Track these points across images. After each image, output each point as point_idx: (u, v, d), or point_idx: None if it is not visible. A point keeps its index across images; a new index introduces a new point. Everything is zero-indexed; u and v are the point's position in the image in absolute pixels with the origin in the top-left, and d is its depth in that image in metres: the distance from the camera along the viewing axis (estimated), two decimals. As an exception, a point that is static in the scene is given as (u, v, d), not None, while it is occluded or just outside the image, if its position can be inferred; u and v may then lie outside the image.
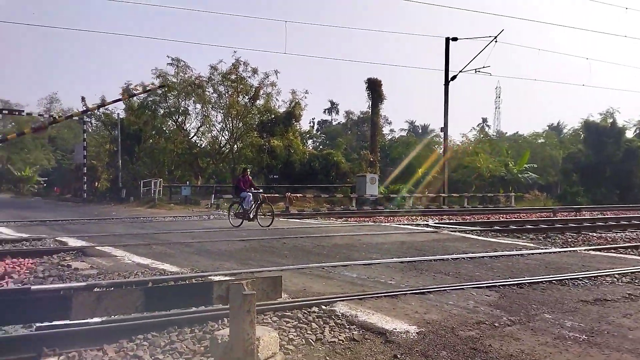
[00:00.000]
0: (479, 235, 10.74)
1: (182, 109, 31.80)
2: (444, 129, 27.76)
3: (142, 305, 2.22)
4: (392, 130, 63.13)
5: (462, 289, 5.16)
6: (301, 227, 12.83)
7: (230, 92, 31.15)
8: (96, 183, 33.00)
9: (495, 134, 57.12)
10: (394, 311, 4.27)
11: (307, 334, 3.69)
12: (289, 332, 3.72)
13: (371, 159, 31.25)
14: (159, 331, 3.67)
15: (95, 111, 30.84)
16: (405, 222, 15.41)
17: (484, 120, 65.65)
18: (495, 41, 23.73)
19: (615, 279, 5.85)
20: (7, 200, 32.80)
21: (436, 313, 4.25)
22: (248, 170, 13.99)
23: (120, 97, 29.78)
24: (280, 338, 3.55)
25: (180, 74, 30.98)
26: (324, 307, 4.31)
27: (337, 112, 67.97)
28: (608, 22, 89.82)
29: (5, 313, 2.20)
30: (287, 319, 3.97)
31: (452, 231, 11.58)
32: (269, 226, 12.19)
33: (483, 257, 7.45)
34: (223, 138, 32.84)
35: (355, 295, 4.70)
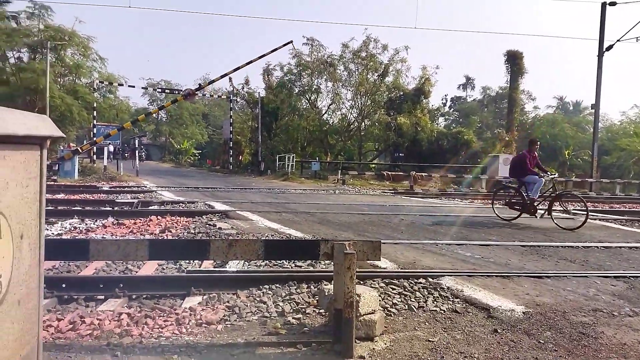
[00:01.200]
0: (623, 225, 9.63)
1: (314, 87, 33.26)
2: (596, 106, 24.63)
3: (263, 253, 2.70)
4: (536, 107, 57.63)
5: (586, 276, 4.87)
6: (423, 205, 12.83)
7: (360, 70, 31.61)
8: (240, 156, 36.44)
9: (667, 111, 48.69)
10: (503, 291, 4.27)
11: (411, 301, 3.94)
12: (394, 297, 4.00)
13: (507, 138, 29.23)
14: (282, 284, 4.24)
15: (240, 88, 33.88)
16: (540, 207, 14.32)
17: (652, 95, 56.20)
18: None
19: None
20: (168, 169, 38.13)
21: (549, 297, 4.14)
22: (537, 143, 10.08)
23: (262, 79, 32.21)
24: (384, 301, 3.88)
25: (314, 53, 32.31)
26: (430, 279, 4.48)
27: (473, 88, 64.09)
28: None
29: (163, 250, 2.86)
30: (394, 286, 4.25)
31: (591, 218, 10.52)
32: (577, 229, 8.30)
33: (620, 247, 6.78)
34: (352, 115, 33.65)
35: (464, 272, 4.78)
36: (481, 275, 4.71)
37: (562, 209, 9.69)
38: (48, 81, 22.20)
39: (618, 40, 22.92)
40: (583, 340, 3.21)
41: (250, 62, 18.84)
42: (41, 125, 1.56)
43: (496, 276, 4.73)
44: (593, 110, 26.27)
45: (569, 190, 10.81)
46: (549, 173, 9.62)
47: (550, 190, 9.36)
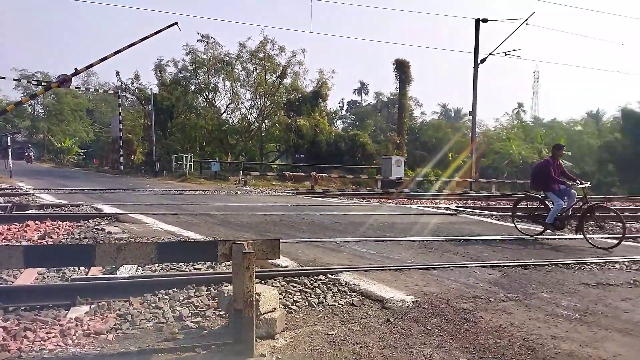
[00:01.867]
0: (498, 220, 10.79)
1: (212, 85, 32.40)
2: (473, 113, 27.35)
3: (155, 257, 2.56)
4: (423, 113, 62.23)
5: (466, 267, 5.37)
6: (323, 205, 13.15)
7: (258, 70, 31.48)
8: (132, 156, 34.21)
9: (531, 119, 55.57)
10: (395, 283, 4.54)
11: (311, 297, 4.01)
12: (294, 294, 4.05)
13: (398, 141, 31.17)
14: (180, 288, 4.07)
15: (129, 84, 31.82)
16: (427, 205, 15.51)
17: (520, 105, 63.73)
18: (527, 24, 23.12)
19: (624, 266, 5.92)
20: (48, 169, 34.46)
21: (435, 286, 4.49)
22: (563, 148, 8.80)
23: (154, 75, 30.63)
24: (285, 299, 3.91)
25: (210, 50, 31.47)
26: (330, 275, 4.61)
27: (367, 93, 67.36)
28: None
29: (41, 256, 2.59)
30: (294, 284, 4.30)
31: (471, 215, 11.66)
32: (613, 248, 7.06)
33: (495, 239, 7.59)
34: (252, 116, 33.37)
35: (360, 267, 4.99)
36: (376, 270, 4.96)
37: (595, 225, 8.69)
38: None
39: (490, 54, 25.69)
40: (464, 324, 3.53)
41: (133, 44, 17.70)
42: None
43: (389, 270, 5.01)
44: (471, 117, 29.05)
45: (601, 202, 9.48)
46: (578, 182, 7.94)
47: (581, 202, 7.81)
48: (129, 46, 18.05)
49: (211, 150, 33.53)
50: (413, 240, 7.12)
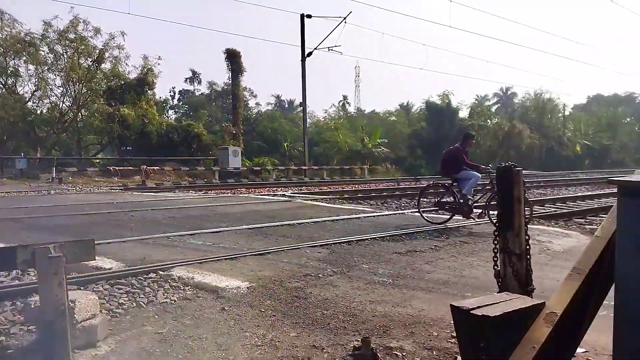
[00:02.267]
0: (328, 203, 11.61)
1: (10, 69, 27.49)
2: (303, 104, 28.77)
3: None
4: (258, 104, 62.89)
5: (299, 248, 5.67)
6: (155, 200, 12.40)
7: (69, 53, 27.76)
8: None
9: (355, 111, 60.70)
10: (231, 271, 4.55)
11: (139, 297, 3.77)
12: (120, 297, 3.75)
13: (234, 132, 30.99)
14: (-28, 308, 3.41)
15: None
16: (265, 193, 15.86)
17: (345, 97, 69.08)
18: (345, 22, 25.14)
19: (428, 234, 6.94)
20: None
21: (270, 270, 4.64)
22: (473, 138, 9.28)
23: None
24: (109, 303, 3.59)
25: (6, 28, 26.63)
26: (161, 272, 4.39)
27: (200, 82, 65.14)
28: (439, 13, 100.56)
29: None
30: (120, 286, 3.99)
31: (305, 200, 12.31)
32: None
33: (325, 221, 8.16)
34: (64, 104, 29.27)
35: (195, 260, 4.87)
36: (211, 260, 4.90)
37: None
38: None
39: (315, 49, 27.26)
40: (296, 302, 3.73)
41: None
42: None
43: (225, 259, 5.00)
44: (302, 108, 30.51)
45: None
46: (484, 167, 8.32)
47: (488, 187, 7.98)
48: None
49: (15, 144, 28.62)
50: (250, 228, 7.21)
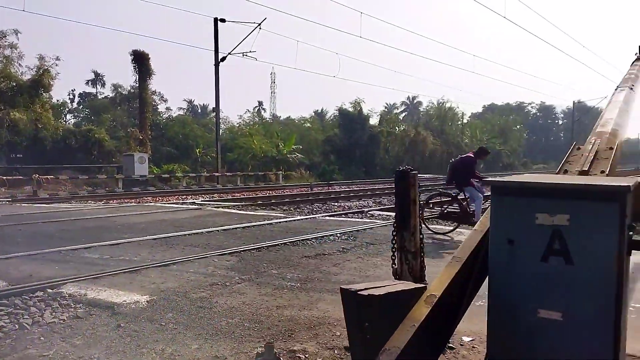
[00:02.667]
0: (240, 210, 11.42)
1: None
2: (216, 109, 28.14)
3: None
4: (168, 109, 60.31)
5: (206, 257, 5.51)
6: (49, 212, 11.32)
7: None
8: None
9: (270, 117, 60.59)
10: (130, 285, 4.29)
11: (24, 318, 3.43)
12: (1, 319, 3.37)
13: (140, 137, 29.35)
14: None
15: None
16: (173, 202, 15.18)
17: (260, 103, 68.65)
18: (260, 28, 25.04)
19: (336, 237, 7.10)
20: None
21: (174, 281, 4.45)
22: (489, 153, 8.89)
23: None
24: (-16, 328, 3.21)
25: None
26: (50, 290, 4.03)
27: (104, 85, 61.04)
28: (351, 23, 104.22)
29: None
30: (1, 307, 3.59)
31: (215, 207, 11.99)
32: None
33: (236, 228, 8.02)
34: None
35: (88, 275, 4.53)
36: (108, 275, 4.58)
37: None
38: None
39: (229, 54, 26.80)
40: (200, 312, 3.61)
41: None
42: None
43: (124, 272, 4.70)
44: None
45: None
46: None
47: None
48: None
49: None
50: (154, 239, 6.86)
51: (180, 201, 15.08)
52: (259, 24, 24.84)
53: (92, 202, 14.99)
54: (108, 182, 23.42)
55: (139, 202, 14.88)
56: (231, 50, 26.57)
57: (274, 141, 38.82)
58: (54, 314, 3.53)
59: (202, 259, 5.44)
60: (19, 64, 27.05)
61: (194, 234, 7.39)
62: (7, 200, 15.41)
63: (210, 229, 7.82)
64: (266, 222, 8.88)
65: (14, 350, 2.91)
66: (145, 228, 8.15)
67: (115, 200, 15.72)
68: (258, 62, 32.80)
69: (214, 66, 26.77)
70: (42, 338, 3.11)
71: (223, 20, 26.08)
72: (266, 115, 61.61)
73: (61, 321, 3.40)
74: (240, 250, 5.92)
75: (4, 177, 20.94)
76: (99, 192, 19.98)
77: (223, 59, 26.62)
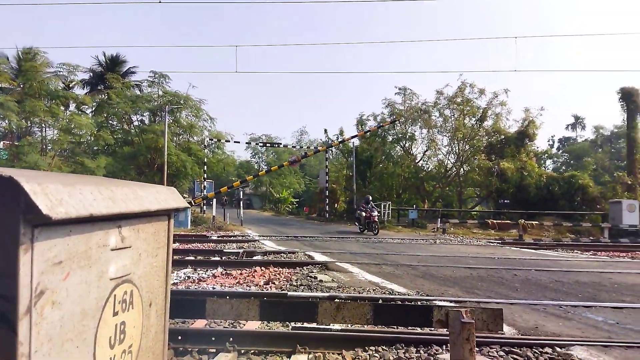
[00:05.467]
0: None
1: (409, 134, 33.11)
2: None
3: (371, 318, 2.57)
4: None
5: None
6: (536, 258, 11.71)
7: (456, 115, 30.93)
8: (336, 204, 36.95)
9: None
10: (652, 367, 3.61)
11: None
12: (516, 369, 3.57)
13: (629, 182, 26.11)
14: (389, 346, 4.02)
15: (334, 138, 35.07)
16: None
17: None
18: None
19: None
20: (269, 217, 39.68)
21: None
22: None
23: (355, 129, 33.13)
24: (505, 374, 3.47)
25: (407, 101, 32.41)
26: (558, 349, 3.96)
27: (584, 128, 59.30)
28: None
29: (272, 311, 2.86)
30: (515, 356, 3.81)
31: None
32: None
33: None
34: (449, 161, 32.68)
35: (598, 341, 4.15)
36: (619, 346, 4.05)
37: None
38: (166, 140, 24.76)
39: None
40: None
41: (354, 136, 21.32)
42: (170, 198, 1.65)
43: (637, 347, 4.03)
44: None
45: None
46: None
47: None
48: (353, 137, 21.91)
49: (407, 197, 33.78)
50: (668, 310, 5.67)
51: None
52: None
53: (578, 251, 14.39)
54: (592, 230, 22.07)
55: (632, 257, 13.03)
56: None
57: None
58: (567, 378, 3.40)
59: None
60: (507, 118, 30.40)
61: None
62: (498, 242, 17.16)
63: None
64: None
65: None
66: (651, 293, 6.91)
67: (602, 252, 14.46)
68: None
69: None
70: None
71: None
72: None
73: (576, 390, 3.22)
74: None
75: (494, 221, 23.61)
76: (582, 240, 19.06)
77: None
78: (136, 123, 29.94)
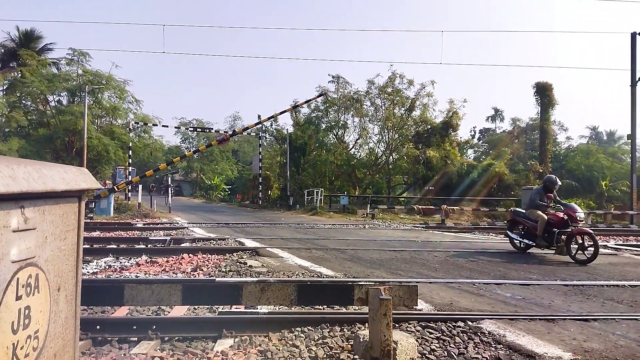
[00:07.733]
0: (673, 262, 9.06)
1: (341, 122, 33.68)
2: (632, 136, 23.85)
3: (295, 298, 2.64)
4: (569, 138, 56.59)
5: (637, 319, 4.56)
6: (456, 240, 12.49)
7: (386, 105, 31.87)
8: (269, 191, 36.81)
9: None
10: (548, 335, 4.03)
11: (450, 347, 3.75)
12: (432, 342, 3.82)
13: (540, 170, 28.50)
14: (314, 327, 4.13)
15: (268, 125, 34.80)
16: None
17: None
18: None
19: None
20: (200, 204, 38.73)
21: (598, 342, 3.88)
22: None
23: (289, 115, 33.10)
24: (422, 347, 3.70)
25: (340, 90, 32.87)
26: (470, 322, 4.28)
27: (502, 120, 63.66)
28: None
29: (196, 295, 2.84)
30: (431, 330, 4.07)
31: (635, 254, 10.00)
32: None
33: (673, 287, 6.35)
34: (379, 149, 33.72)
35: (505, 315, 4.55)
36: (524, 318, 4.47)
37: None
38: (86, 123, 23.19)
39: (652, 70, 22.40)
40: (642, 393, 2.95)
41: (284, 111, 20.77)
42: (80, 178, 1.58)
43: (540, 319, 4.48)
44: (629, 140, 25.45)
45: None
46: None
47: None
48: (281, 113, 21.40)
49: (340, 184, 34.46)
50: (565, 285, 6.32)
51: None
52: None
53: (493, 234, 15.50)
54: (506, 214, 23.81)
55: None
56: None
57: None
58: (476, 349, 3.70)
59: (630, 320, 4.54)
60: (433, 109, 31.86)
61: (613, 285, 6.35)
62: (422, 227, 18.06)
63: (634, 282, 6.52)
64: None
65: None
66: (553, 271, 7.64)
67: (514, 235, 15.70)
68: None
69: (629, 87, 23.03)
70: (468, 371, 3.29)
71: (644, 32, 22.17)
72: None
73: (484, 358, 3.52)
74: (688, 320, 4.59)
75: (420, 207, 24.78)
76: (497, 224, 20.56)
77: (642, 77, 22.53)
78: (53, 104, 27.74)
